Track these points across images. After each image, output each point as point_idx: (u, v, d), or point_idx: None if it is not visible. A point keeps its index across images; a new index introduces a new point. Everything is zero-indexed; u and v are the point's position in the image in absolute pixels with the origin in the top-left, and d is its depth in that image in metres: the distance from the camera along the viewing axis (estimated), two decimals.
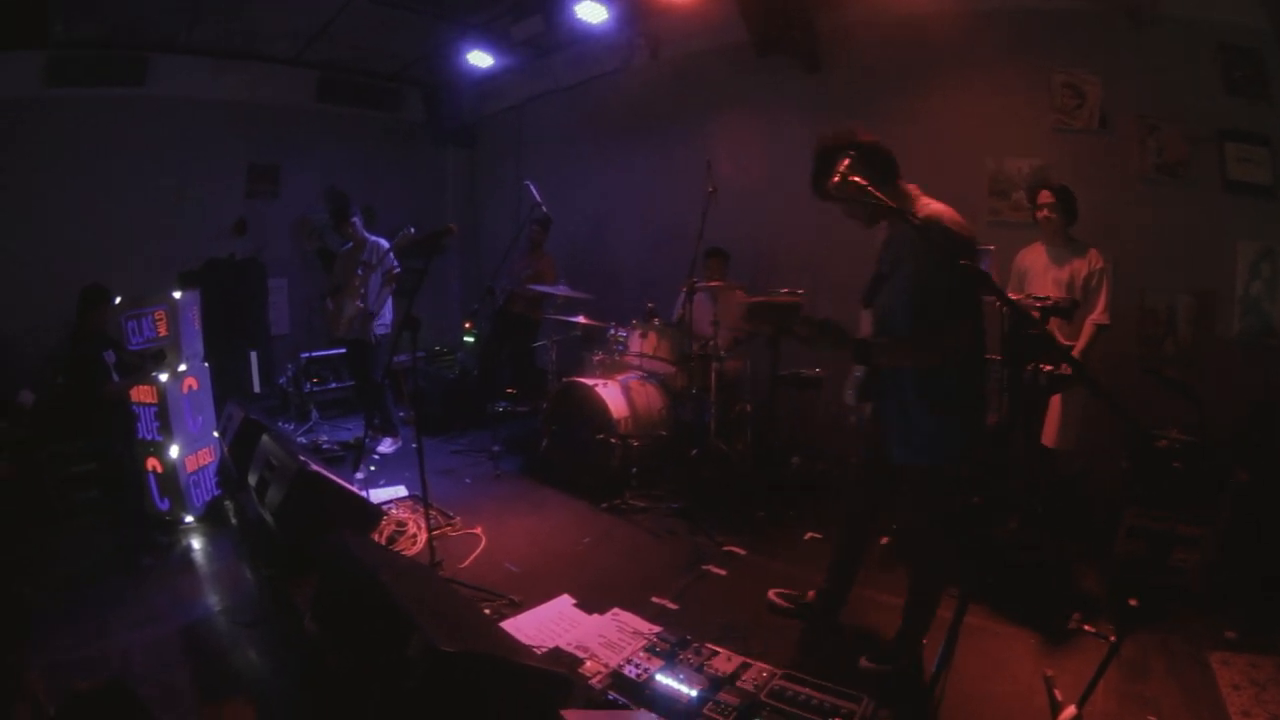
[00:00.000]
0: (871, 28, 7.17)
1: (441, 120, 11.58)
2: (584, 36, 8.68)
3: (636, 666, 3.83)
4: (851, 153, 3.21)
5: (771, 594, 4.58)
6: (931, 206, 3.40)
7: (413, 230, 7.45)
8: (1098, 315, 5.12)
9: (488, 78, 10.09)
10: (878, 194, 2.93)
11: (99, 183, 8.61)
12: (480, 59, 9.06)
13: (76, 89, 8.26)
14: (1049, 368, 4.33)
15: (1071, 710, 3.00)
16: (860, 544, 4.23)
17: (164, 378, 5.84)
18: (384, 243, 7.63)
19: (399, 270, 7.62)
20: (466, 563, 5.21)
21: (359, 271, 7.52)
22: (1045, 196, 5.28)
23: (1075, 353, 5.09)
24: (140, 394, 5.85)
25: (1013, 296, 4.73)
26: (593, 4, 7.58)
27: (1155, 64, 5.84)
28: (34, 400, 6.12)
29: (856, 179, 2.99)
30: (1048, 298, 4.54)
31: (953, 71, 6.77)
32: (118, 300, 5.89)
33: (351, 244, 7.74)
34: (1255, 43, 5.47)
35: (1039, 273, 5.29)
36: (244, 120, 9.74)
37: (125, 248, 8.61)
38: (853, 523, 4.22)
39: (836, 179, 3.00)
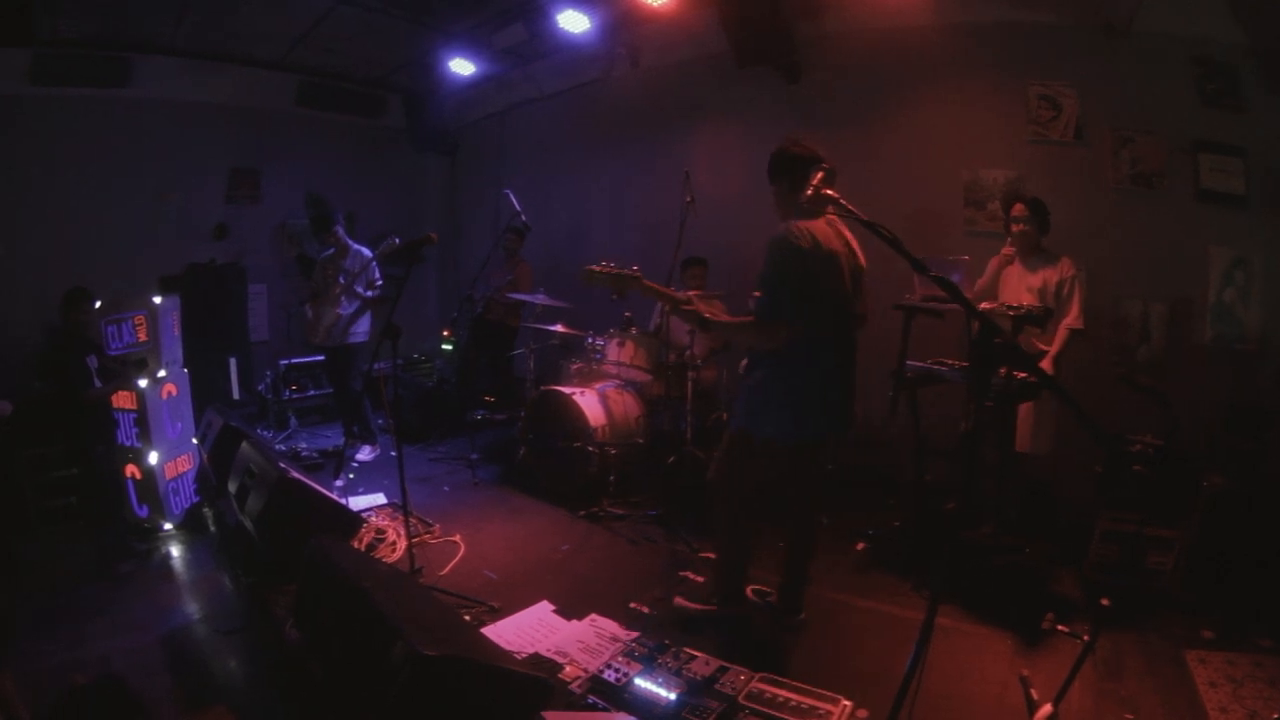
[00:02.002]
0: (851, 39, 7.22)
1: (423, 127, 11.56)
2: (566, 45, 8.67)
3: (616, 671, 3.85)
4: (826, 167, 3.36)
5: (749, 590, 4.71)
6: (798, 222, 3.84)
7: (397, 241, 7.45)
8: (1071, 320, 5.18)
9: (469, 85, 10.10)
10: (850, 207, 2.97)
11: (81, 184, 8.56)
12: (462, 66, 9.06)
13: (60, 88, 8.21)
14: (1021, 374, 4.38)
15: (1048, 709, 3.02)
16: (789, 534, 4.47)
17: (143, 383, 5.82)
18: (367, 252, 7.61)
19: (381, 282, 7.62)
20: (446, 570, 5.21)
21: (340, 279, 7.50)
22: (1019, 209, 5.34)
23: (1049, 356, 5.14)
24: (120, 400, 5.84)
25: (985, 305, 4.80)
26: (574, 13, 7.60)
27: (1130, 77, 5.92)
28: (11, 410, 6.08)
29: (829, 192, 3.06)
30: (1020, 305, 4.59)
31: (931, 83, 6.85)
32: (98, 304, 5.87)
33: (333, 250, 7.67)
34: (1229, 56, 5.55)
35: (1016, 279, 5.35)
36: (226, 124, 9.71)
37: (105, 251, 8.56)
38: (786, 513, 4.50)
39: (810, 191, 3.06)
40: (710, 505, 4.43)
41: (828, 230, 3.92)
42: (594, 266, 4.17)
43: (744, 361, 4.29)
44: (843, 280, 3.95)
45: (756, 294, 3.85)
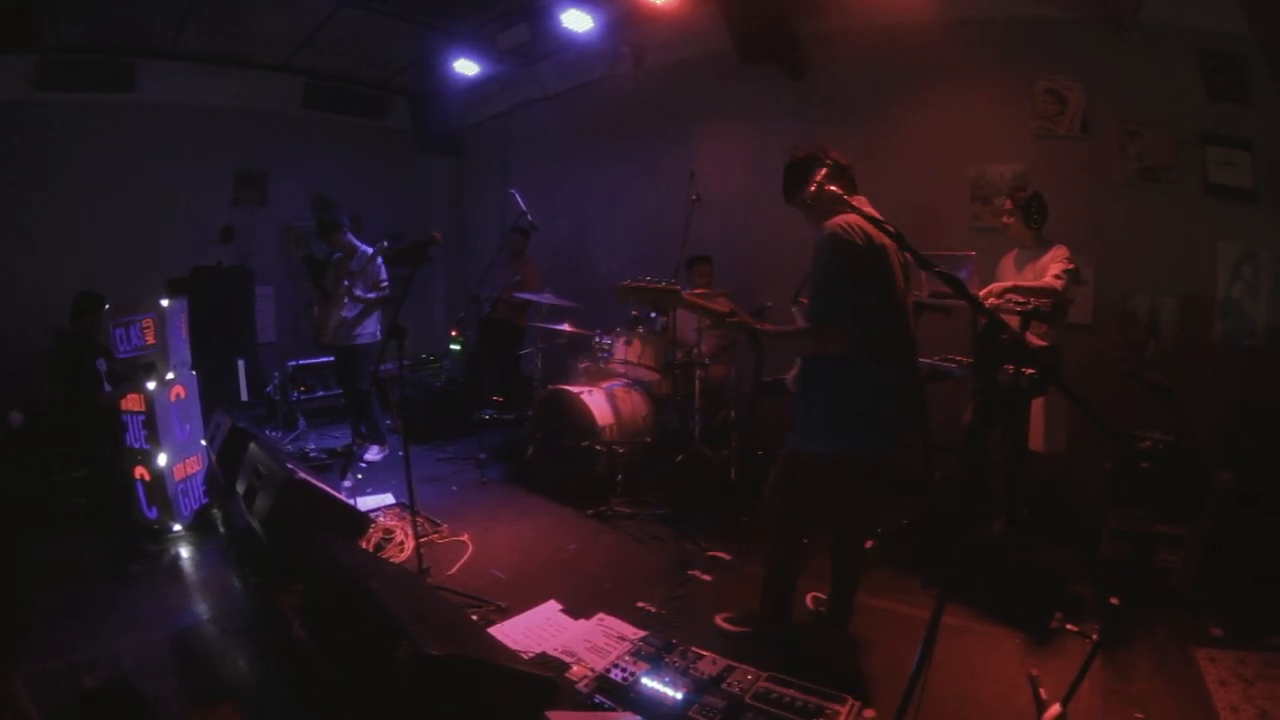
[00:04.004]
0: (855, 35, 7.21)
1: (428, 128, 11.57)
2: (570, 45, 8.70)
3: (622, 670, 3.85)
4: (828, 163, 3.26)
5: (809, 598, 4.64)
6: (840, 218, 3.53)
7: (386, 244, 7.50)
8: (1048, 279, 5.00)
9: (474, 86, 10.10)
10: (850, 200, 2.97)
11: (87, 188, 8.61)
12: (466, 67, 9.08)
13: (66, 94, 8.27)
14: (1031, 371, 4.36)
15: (1056, 709, 3.02)
16: (837, 548, 4.24)
17: (152, 386, 5.83)
18: (369, 249, 7.64)
19: (387, 283, 7.63)
20: (454, 569, 5.22)
21: (345, 282, 7.52)
22: (1006, 204, 5.34)
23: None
24: (128, 402, 5.84)
25: (991, 302, 4.78)
26: (578, 12, 7.59)
27: (1136, 70, 5.88)
28: (23, 421, 6.09)
29: (832, 188, 3.05)
30: (1028, 301, 4.57)
31: (935, 78, 6.82)
32: (107, 307, 5.88)
33: (341, 253, 7.72)
34: (1235, 48, 5.49)
35: (1010, 277, 5.32)
36: (231, 127, 9.76)
37: (112, 254, 8.59)
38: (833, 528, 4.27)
39: (813, 187, 3.05)
40: (765, 524, 4.19)
41: (869, 225, 3.52)
42: (629, 282, 3.87)
43: (792, 372, 4.00)
44: (896, 277, 3.67)
45: (804, 300, 3.68)
